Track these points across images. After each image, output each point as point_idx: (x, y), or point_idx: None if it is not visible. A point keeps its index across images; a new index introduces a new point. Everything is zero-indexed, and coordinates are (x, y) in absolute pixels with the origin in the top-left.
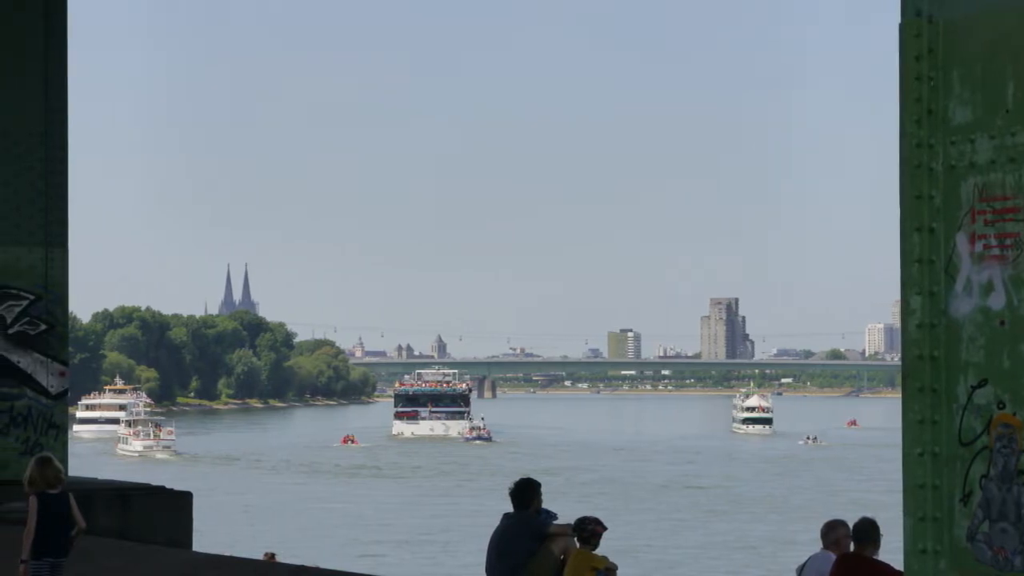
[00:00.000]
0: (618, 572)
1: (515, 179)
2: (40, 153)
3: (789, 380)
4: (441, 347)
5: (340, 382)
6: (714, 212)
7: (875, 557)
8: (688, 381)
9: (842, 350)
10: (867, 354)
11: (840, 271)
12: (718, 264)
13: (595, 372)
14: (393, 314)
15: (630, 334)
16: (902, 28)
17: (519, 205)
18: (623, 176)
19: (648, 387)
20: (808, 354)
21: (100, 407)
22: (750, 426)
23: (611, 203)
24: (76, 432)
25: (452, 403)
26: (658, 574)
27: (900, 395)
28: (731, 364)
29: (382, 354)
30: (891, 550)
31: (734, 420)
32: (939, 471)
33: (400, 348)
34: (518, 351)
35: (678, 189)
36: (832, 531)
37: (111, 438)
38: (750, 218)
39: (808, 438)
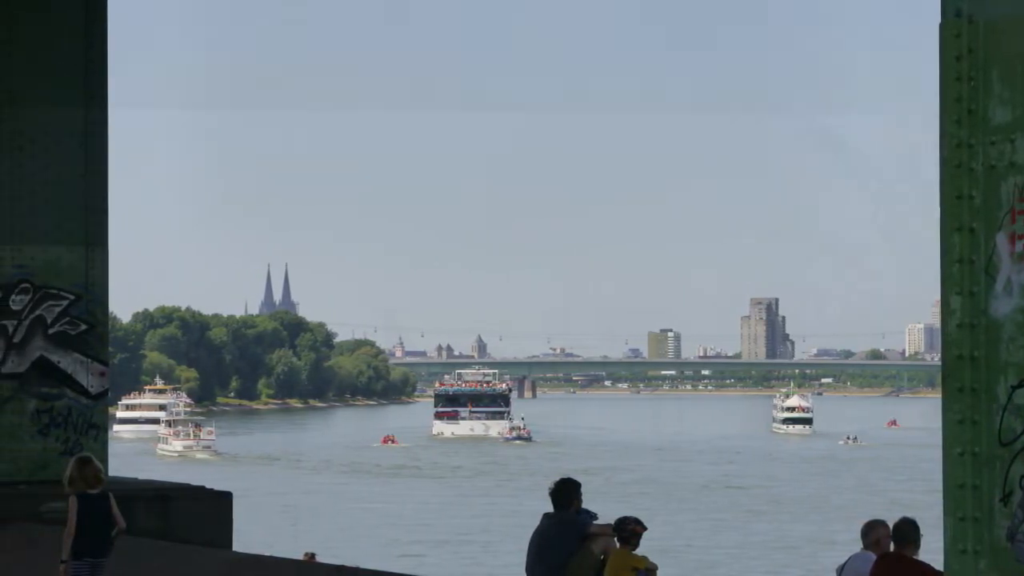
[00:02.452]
0: (658, 572)
1: (555, 178)
2: (80, 152)
3: (829, 380)
4: (481, 347)
5: (380, 382)
6: (754, 211)
7: (915, 557)
8: (728, 381)
9: (882, 350)
10: (907, 354)
11: (880, 271)
12: (758, 264)
13: (635, 372)
14: (433, 314)
15: (670, 334)
16: (942, 28)
17: (559, 204)
18: (663, 175)
19: (688, 387)
20: (848, 354)
21: (140, 407)
22: (790, 426)
23: (651, 203)
24: (116, 432)
25: (492, 403)
26: (698, 574)
27: (940, 395)
28: (771, 364)
29: (422, 354)
30: (931, 550)
31: (774, 420)
32: (979, 471)
33: (440, 348)
34: (558, 351)
35: (717, 188)
36: (872, 531)
37: (151, 438)
38: (789, 217)
39: (848, 438)
